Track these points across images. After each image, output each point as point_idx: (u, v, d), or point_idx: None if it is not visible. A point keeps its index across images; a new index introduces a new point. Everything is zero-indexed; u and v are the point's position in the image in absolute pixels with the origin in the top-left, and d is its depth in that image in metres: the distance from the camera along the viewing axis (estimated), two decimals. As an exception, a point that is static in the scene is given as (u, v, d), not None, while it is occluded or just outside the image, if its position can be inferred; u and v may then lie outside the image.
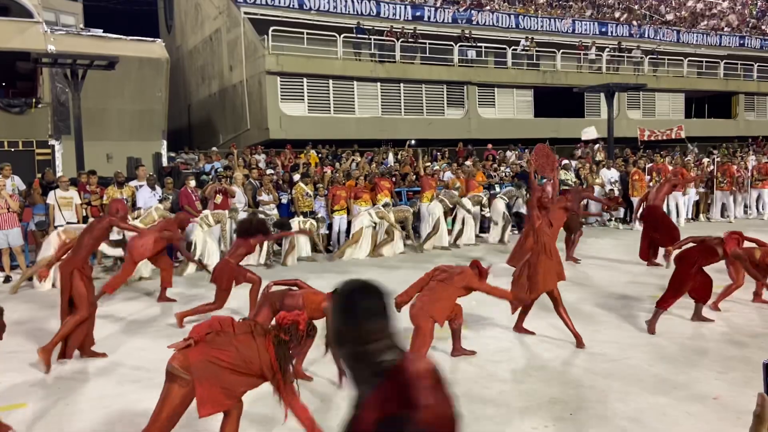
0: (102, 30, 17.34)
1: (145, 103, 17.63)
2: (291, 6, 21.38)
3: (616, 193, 14.93)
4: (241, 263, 7.09)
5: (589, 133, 18.04)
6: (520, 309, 6.40)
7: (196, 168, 14.79)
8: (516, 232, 12.94)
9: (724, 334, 6.43)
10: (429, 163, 14.47)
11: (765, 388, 0.95)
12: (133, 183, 11.27)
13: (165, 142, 18.14)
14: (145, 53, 17.35)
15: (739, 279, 7.24)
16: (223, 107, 22.76)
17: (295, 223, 10.90)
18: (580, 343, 6.05)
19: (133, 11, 28.29)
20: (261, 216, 8.95)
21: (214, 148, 17.83)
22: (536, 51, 24.25)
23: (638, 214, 10.90)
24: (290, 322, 3.58)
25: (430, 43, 22.29)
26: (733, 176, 15.60)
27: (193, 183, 11.48)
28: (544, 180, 14.36)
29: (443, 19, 23.99)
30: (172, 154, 17.93)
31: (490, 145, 19.84)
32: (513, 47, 23.81)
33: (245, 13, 20.62)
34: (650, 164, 15.47)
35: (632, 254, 11.15)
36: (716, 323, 6.74)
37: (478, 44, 23.41)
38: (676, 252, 6.91)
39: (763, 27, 33.32)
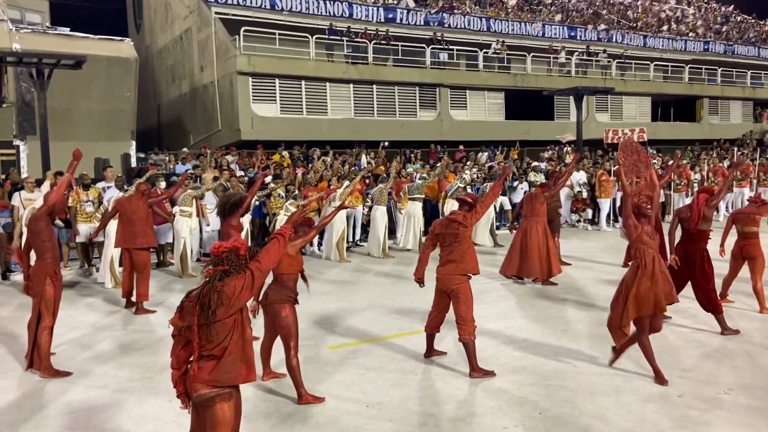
0: (69, 28, 17.02)
1: (113, 103, 17.36)
2: (263, 6, 21.24)
3: (585, 194, 15.21)
4: None
5: (567, 136, 18.37)
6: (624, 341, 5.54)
7: (167, 169, 14.59)
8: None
9: (686, 334, 6.59)
10: (406, 169, 14.51)
11: None
12: (101, 184, 11.07)
13: (134, 143, 17.88)
14: (114, 52, 17.09)
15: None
16: (194, 108, 22.52)
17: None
18: (660, 379, 5.24)
19: (100, 10, 27.80)
20: (233, 192, 8.57)
21: (185, 149, 17.63)
22: (507, 54, 24.53)
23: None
24: (227, 249, 3.26)
25: (402, 45, 22.38)
26: (689, 179, 15.94)
27: (163, 184, 11.33)
28: (515, 183, 14.67)
29: (415, 22, 24.11)
30: (142, 155, 17.67)
31: (461, 147, 20.01)
32: (484, 50, 24.04)
33: (216, 13, 20.43)
34: (616, 167, 15.72)
35: (601, 255, 11.36)
36: (679, 322, 6.91)
37: (450, 47, 23.58)
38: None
39: (726, 32, 34.23)
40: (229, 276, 3.23)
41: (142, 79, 20.40)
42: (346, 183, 11.74)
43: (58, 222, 10.15)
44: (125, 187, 10.81)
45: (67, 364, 5.87)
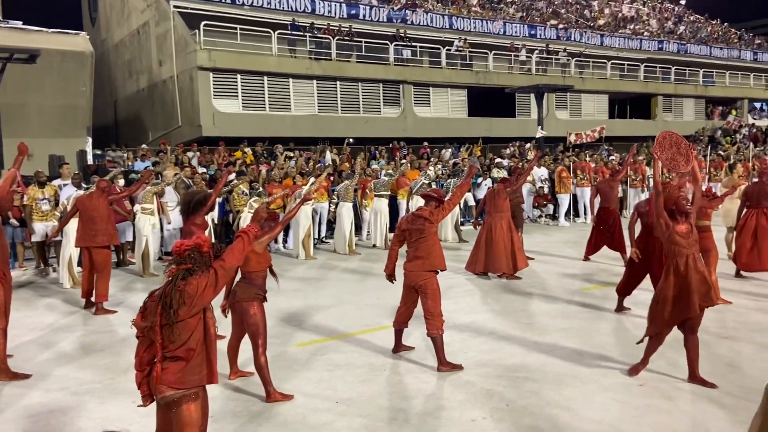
0: (21, 22, 16.44)
1: (68, 99, 16.86)
2: (223, 0, 20.93)
3: (546, 190, 15.47)
4: None
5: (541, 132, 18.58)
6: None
7: (125, 166, 14.27)
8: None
9: (644, 324, 6.76)
10: (371, 166, 14.51)
11: None
12: (57, 182, 10.74)
13: (90, 139, 17.40)
14: (68, 46, 16.58)
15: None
16: (152, 103, 22.04)
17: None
18: (635, 371, 5.33)
19: (54, 2, 26.97)
20: (197, 190, 8.25)
21: (143, 146, 17.26)
22: (469, 52, 24.74)
23: (594, 214, 10.46)
24: (190, 247, 3.22)
25: (365, 42, 22.35)
26: (644, 174, 16.37)
27: (121, 182, 11.08)
28: (479, 179, 14.82)
29: (378, 18, 24.11)
30: (98, 152, 17.22)
31: (426, 143, 20.12)
32: (447, 47, 24.19)
33: (175, 6, 20.02)
34: (575, 162, 16.03)
35: (564, 249, 11.59)
36: (638, 313, 7.08)
37: (413, 44, 23.66)
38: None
39: (680, 32, 35.26)
40: (192, 275, 3.18)
41: (98, 74, 19.85)
42: (312, 180, 11.69)
43: (13, 221, 9.84)
44: (82, 184, 10.55)
45: (25, 366, 5.69)
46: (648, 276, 6.95)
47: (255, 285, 4.93)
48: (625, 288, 7.14)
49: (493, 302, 7.93)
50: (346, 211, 11.66)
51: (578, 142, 17.31)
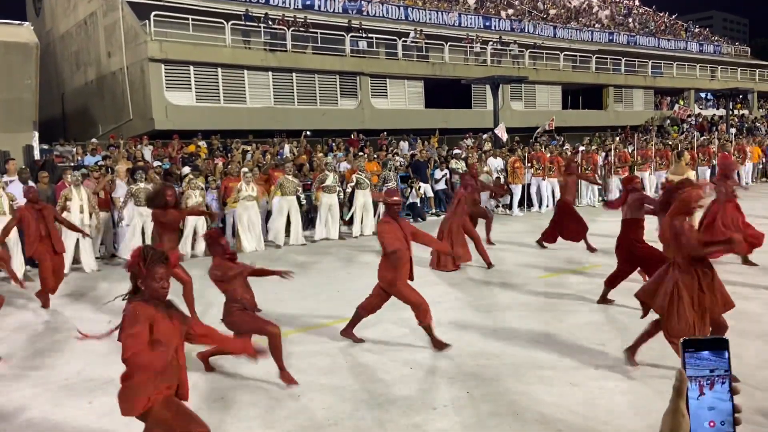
0: (-41, 11, 15.72)
1: (12, 92, 16.23)
2: (174, -10, 20.45)
3: (502, 180, 15.67)
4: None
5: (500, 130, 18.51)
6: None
7: (74, 161, 13.83)
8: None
9: (600, 311, 6.96)
10: (325, 155, 14.44)
11: (682, 363, 1.08)
12: (3, 178, 10.35)
13: (36, 134, 16.77)
14: (12, 37, 15.97)
15: None
16: (102, 96, 21.40)
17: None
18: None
19: (-6, -10, 25.86)
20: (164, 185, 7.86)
21: (93, 140, 16.75)
22: (425, 43, 24.80)
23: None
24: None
25: (321, 33, 22.16)
26: (596, 164, 16.73)
27: (70, 177, 10.72)
28: (437, 171, 14.90)
29: (334, 9, 23.94)
30: (45, 147, 16.63)
31: (384, 134, 20.12)
32: (403, 39, 24.19)
33: (123, -4, 19.47)
34: (531, 153, 16.27)
35: (523, 237, 11.78)
36: (591, 299, 7.28)
37: (369, 35, 23.58)
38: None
39: (629, 24, 36.17)
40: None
41: (44, 66, 19.17)
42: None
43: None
44: (29, 181, 10.20)
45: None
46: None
47: (231, 299, 5.02)
48: (613, 280, 7.15)
49: (453, 292, 8.01)
50: (295, 205, 11.65)
51: (539, 136, 17.58)
